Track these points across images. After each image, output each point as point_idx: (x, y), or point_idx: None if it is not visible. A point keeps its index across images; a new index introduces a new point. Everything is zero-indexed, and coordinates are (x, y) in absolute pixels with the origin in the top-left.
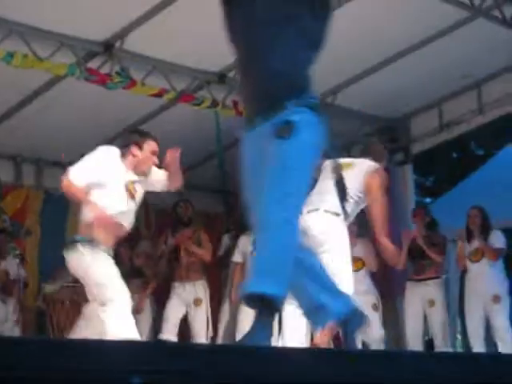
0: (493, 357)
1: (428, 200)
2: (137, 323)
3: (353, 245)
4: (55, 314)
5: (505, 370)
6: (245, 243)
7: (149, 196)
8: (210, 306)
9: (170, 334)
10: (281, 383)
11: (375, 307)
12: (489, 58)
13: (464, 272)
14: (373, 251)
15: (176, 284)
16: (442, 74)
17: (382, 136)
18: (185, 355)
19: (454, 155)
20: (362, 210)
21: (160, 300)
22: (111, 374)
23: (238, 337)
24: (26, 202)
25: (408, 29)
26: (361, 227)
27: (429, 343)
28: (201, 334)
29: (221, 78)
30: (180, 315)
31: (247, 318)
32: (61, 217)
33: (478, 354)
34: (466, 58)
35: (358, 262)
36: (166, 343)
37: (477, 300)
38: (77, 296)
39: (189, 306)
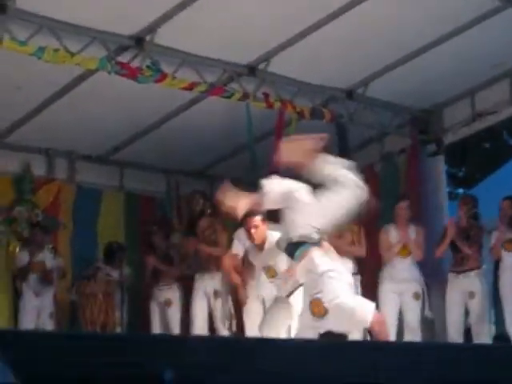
0: None
1: (460, 191)
2: (167, 316)
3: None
4: (88, 307)
5: None
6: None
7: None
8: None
9: (199, 328)
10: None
11: (416, 296)
12: None
13: (498, 262)
14: (422, 239)
15: (197, 276)
16: (474, 63)
17: (413, 127)
18: (218, 349)
19: (486, 145)
20: None
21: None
22: (144, 368)
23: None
24: (58, 195)
25: (439, 19)
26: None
27: (467, 334)
28: (220, 326)
29: (251, 70)
30: (204, 307)
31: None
32: (93, 211)
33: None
34: (498, 47)
35: (405, 249)
36: (196, 337)
37: (510, 290)
38: (110, 289)
39: (209, 297)
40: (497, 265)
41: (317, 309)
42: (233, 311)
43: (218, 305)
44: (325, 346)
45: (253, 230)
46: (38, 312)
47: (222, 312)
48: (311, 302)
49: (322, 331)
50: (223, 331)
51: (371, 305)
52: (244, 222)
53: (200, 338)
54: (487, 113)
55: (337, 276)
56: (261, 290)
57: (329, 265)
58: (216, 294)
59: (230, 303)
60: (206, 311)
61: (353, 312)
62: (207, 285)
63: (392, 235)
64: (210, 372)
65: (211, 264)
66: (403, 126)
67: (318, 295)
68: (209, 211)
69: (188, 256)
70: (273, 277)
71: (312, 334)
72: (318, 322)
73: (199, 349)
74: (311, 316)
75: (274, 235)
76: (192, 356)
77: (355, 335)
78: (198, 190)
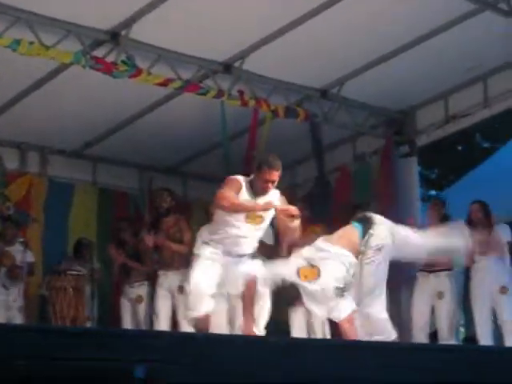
0: (498, 350)
1: (433, 193)
2: (138, 313)
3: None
4: (58, 301)
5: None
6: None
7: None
8: None
9: (162, 325)
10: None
11: None
12: (495, 51)
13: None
14: None
15: (161, 272)
16: (449, 66)
17: (387, 128)
18: (187, 346)
19: (459, 148)
20: None
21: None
22: (115, 364)
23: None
24: (30, 189)
25: (415, 21)
26: None
27: (433, 335)
28: (183, 322)
29: (226, 67)
30: (168, 305)
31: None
32: (65, 205)
33: (485, 347)
34: (473, 50)
35: None
36: (169, 333)
37: (484, 291)
38: (80, 284)
39: (173, 294)
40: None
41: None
42: None
43: (181, 301)
44: (288, 343)
45: None
46: (7, 306)
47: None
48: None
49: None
50: (186, 327)
51: (351, 305)
52: None
53: (170, 334)
54: (461, 115)
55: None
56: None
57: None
58: (180, 289)
59: None
60: (169, 307)
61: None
62: (171, 281)
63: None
64: (182, 368)
65: (175, 261)
66: (377, 126)
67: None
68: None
69: (148, 252)
70: None
71: None
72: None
73: (171, 345)
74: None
75: None
76: (164, 352)
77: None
78: (165, 187)
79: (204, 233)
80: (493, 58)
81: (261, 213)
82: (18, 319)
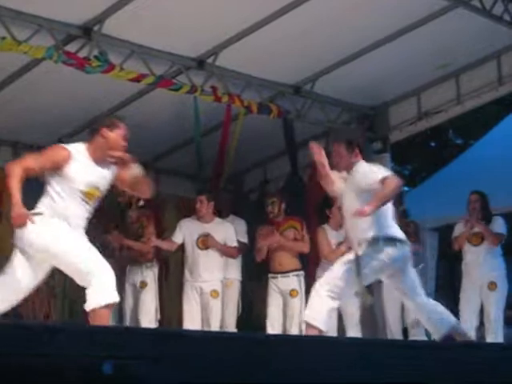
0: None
1: (405, 189)
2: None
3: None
4: (30, 298)
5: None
6: (189, 226)
7: None
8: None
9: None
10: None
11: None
12: (468, 48)
13: (456, 257)
14: None
15: (128, 268)
16: (421, 63)
17: (360, 124)
18: (156, 341)
19: (432, 144)
20: None
21: None
22: (83, 360)
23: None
24: (1, 185)
25: (387, 17)
26: None
27: (404, 331)
28: (148, 318)
29: (199, 63)
30: (130, 300)
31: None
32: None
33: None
34: (445, 47)
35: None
36: (136, 329)
37: (473, 286)
38: (52, 281)
39: (136, 289)
40: (458, 259)
41: None
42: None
43: (143, 296)
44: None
45: None
46: None
47: (152, 302)
48: None
49: None
50: (146, 323)
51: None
52: None
53: (140, 330)
54: (433, 112)
55: None
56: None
57: None
58: (142, 285)
59: (157, 295)
60: (132, 303)
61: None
62: (135, 276)
63: (330, 235)
64: (150, 364)
65: (139, 256)
66: (350, 123)
67: None
68: (140, 203)
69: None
70: None
71: None
72: None
73: (139, 340)
74: None
75: None
76: (131, 348)
77: None
78: None
79: None
80: (465, 54)
81: None
82: None
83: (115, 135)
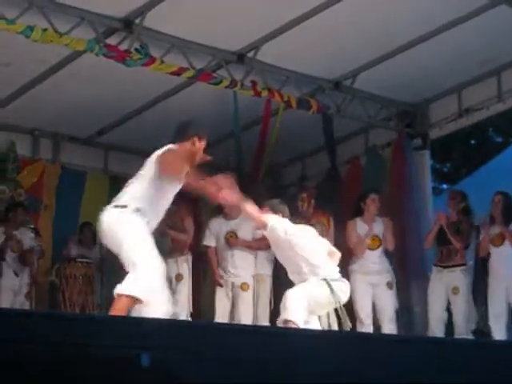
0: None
1: (444, 186)
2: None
3: (371, 223)
4: (68, 289)
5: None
6: (216, 226)
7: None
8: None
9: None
10: (287, 363)
11: (389, 285)
12: (510, 45)
13: (485, 258)
14: (391, 230)
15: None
16: (462, 59)
17: (400, 121)
18: (194, 334)
19: (472, 142)
20: None
21: None
22: (122, 351)
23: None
24: (43, 176)
25: (429, 14)
26: None
27: (448, 329)
28: (184, 310)
29: (240, 57)
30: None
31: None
32: (76, 192)
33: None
34: (487, 44)
35: (375, 240)
36: (175, 321)
37: (499, 284)
38: (90, 272)
39: (171, 282)
40: (485, 260)
41: None
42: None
43: (179, 289)
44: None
45: None
46: (15, 291)
47: (186, 295)
48: None
49: None
50: (183, 316)
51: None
52: None
53: (177, 323)
54: (474, 109)
55: None
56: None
57: None
58: (178, 278)
59: (191, 288)
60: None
61: None
62: (170, 269)
63: (360, 228)
64: (187, 356)
65: (175, 249)
66: (390, 119)
67: None
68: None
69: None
70: None
71: None
72: None
73: (176, 333)
74: None
75: None
76: (169, 340)
77: None
78: None
79: None
80: (507, 52)
81: None
82: (25, 305)
83: (200, 147)
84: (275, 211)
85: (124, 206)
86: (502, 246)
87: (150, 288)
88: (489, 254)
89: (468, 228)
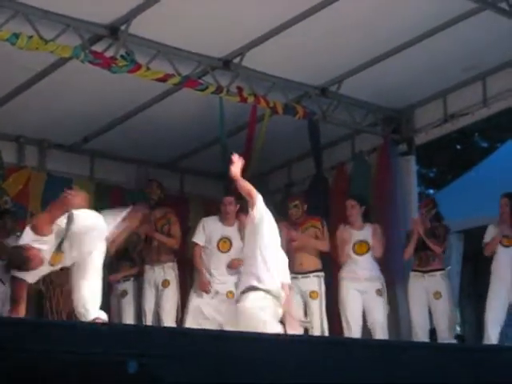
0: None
1: (430, 191)
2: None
3: (359, 228)
4: (54, 297)
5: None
6: (210, 226)
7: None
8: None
9: (148, 320)
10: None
11: (379, 292)
12: (495, 50)
13: (487, 258)
14: (379, 237)
15: (147, 267)
16: (447, 65)
17: (386, 126)
18: (180, 340)
19: (458, 147)
20: None
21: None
22: (109, 358)
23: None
24: (28, 183)
25: (414, 19)
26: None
27: (431, 334)
28: (171, 317)
29: (225, 63)
30: (153, 300)
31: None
32: None
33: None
34: (472, 49)
35: (362, 246)
36: (163, 328)
37: (502, 286)
38: None
39: (158, 288)
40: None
41: None
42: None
43: (166, 295)
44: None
45: None
46: (2, 300)
47: (174, 301)
48: None
49: None
50: (169, 322)
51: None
52: None
53: (164, 329)
54: (459, 114)
55: None
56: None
57: None
58: (165, 284)
59: (178, 294)
60: (153, 302)
61: None
62: (157, 275)
63: (346, 234)
64: (174, 363)
65: (162, 255)
66: (375, 124)
67: None
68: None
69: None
70: None
71: None
72: None
73: (163, 340)
74: None
75: None
76: (156, 347)
77: None
78: (155, 179)
79: None
80: (492, 57)
81: None
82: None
83: None
84: None
85: None
86: (510, 248)
87: None
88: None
89: (444, 232)
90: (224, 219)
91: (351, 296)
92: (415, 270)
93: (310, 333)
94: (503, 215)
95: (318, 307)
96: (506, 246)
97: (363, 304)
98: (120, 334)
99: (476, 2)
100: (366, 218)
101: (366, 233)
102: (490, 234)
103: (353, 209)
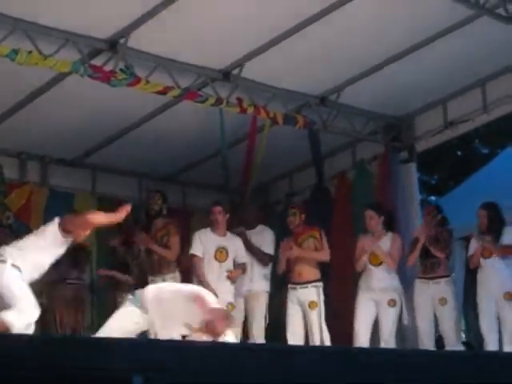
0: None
1: (432, 198)
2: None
3: (377, 239)
4: (58, 310)
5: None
6: (206, 238)
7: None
8: None
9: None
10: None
11: (391, 302)
12: (494, 57)
13: (474, 270)
14: (396, 247)
15: (150, 278)
16: (447, 72)
17: (386, 134)
18: (185, 353)
19: (459, 153)
20: None
21: None
22: (114, 372)
23: None
24: (30, 198)
25: (413, 27)
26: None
27: (438, 341)
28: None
29: (225, 75)
30: None
31: None
32: (65, 213)
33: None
34: (471, 56)
35: (378, 257)
36: (168, 341)
37: (489, 297)
38: (80, 293)
39: None
40: (474, 271)
41: None
42: None
43: None
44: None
45: None
46: None
47: None
48: None
49: None
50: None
51: None
52: None
53: (170, 343)
54: (459, 121)
55: None
56: None
57: None
58: None
59: None
60: None
61: None
62: None
63: (367, 243)
64: (180, 377)
65: (163, 267)
66: (376, 132)
67: None
68: (164, 212)
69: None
70: None
71: None
72: None
73: (169, 354)
74: None
75: None
76: (161, 361)
77: None
78: (158, 189)
79: None
80: (491, 63)
81: None
82: None
83: None
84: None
85: None
86: (491, 258)
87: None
88: (478, 266)
89: (448, 236)
90: (216, 229)
91: (363, 306)
92: (420, 278)
93: (310, 343)
94: (481, 227)
95: (316, 317)
96: (487, 258)
97: (377, 314)
98: (124, 347)
99: (474, 9)
100: (389, 226)
101: (383, 243)
102: (473, 246)
103: (371, 220)
